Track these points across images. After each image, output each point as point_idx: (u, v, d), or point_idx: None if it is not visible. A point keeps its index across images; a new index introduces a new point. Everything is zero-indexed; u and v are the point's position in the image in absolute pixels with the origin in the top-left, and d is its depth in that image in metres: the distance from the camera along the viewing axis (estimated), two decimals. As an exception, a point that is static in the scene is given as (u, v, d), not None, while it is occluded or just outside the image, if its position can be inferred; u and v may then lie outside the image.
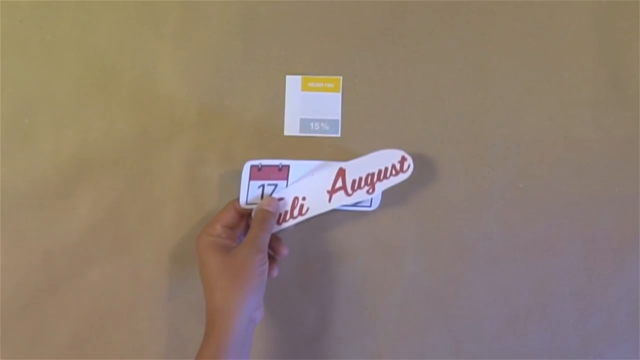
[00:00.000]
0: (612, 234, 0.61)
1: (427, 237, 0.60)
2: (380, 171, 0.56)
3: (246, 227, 0.56)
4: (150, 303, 0.59)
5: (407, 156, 0.56)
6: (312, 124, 0.60)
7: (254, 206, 0.55)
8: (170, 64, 0.59)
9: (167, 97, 0.59)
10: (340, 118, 0.60)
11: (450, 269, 0.60)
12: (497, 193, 0.60)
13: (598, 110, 0.60)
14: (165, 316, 0.59)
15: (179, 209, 0.59)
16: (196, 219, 0.59)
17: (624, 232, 0.61)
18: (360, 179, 0.56)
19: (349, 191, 0.56)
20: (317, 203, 0.56)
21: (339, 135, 0.60)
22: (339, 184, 0.56)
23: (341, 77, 0.60)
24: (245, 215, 0.56)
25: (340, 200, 0.56)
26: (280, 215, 0.56)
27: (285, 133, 0.59)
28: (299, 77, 0.59)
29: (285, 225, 0.56)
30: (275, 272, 0.56)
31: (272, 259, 0.56)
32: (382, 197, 0.58)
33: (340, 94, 0.60)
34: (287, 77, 0.59)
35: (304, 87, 0.60)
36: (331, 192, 0.56)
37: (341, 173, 0.56)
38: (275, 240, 0.57)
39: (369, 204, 0.58)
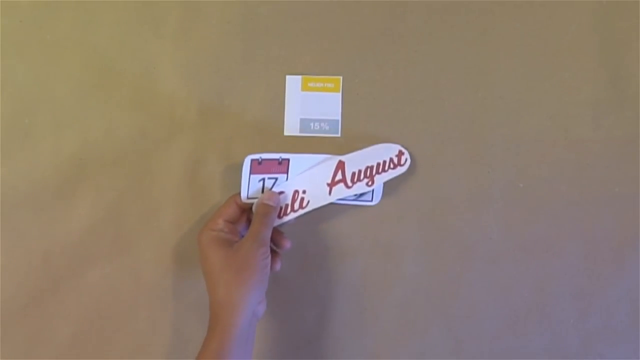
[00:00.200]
0: (612, 234, 0.61)
1: (427, 237, 0.60)
2: (378, 164, 0.57)
3: (247, 222, 0.57)
4: (151, 303, 0.59)
5: (404, 150, 0.57)
6: (312, 124, 0.60)
7: (255, 200, 0.55)
8: (170, 64, 0.59)
9: (167, 97, 0.59)
10: (340, 118, 0.60)
11: (450, 269, 0.60)
12: (497, 193, 0.60)
13: (598, 110, 0.60)
14: (165, 316, 0.59)
15: (179, 209, 0.59)
16: (196, 218, 0.59)
17: (624, 232, 0.61)
18: (360, 171, 0.56)
19: (349, 183, 0.56)
20: (317, 196, 0.56)
21: (339, 135, 0.60)
22: (339, 176, 0.56)
23: (341, 77, 0.60)
24: (246, 210, 0.56)
25: (340, 192, 0.56)
26: (280, 209, 0.56)
27: (285, 133, 0.59)
28: (299, 77, 0.59)
29: (286, 218, 0.56)
30: (277, 266, 0.56)
31: (274, 252, 0.56)
32: (382, 194, 0.58)
33: (340, 94, 0.60)
34: (287, 77, 0.59)
35: (304, 87, 0.59)
36: (331, 185, 0.56)
37: (340, 166, 0.56)
38: (277, 234, 0.57)
39: (370, 199, 0.58)
